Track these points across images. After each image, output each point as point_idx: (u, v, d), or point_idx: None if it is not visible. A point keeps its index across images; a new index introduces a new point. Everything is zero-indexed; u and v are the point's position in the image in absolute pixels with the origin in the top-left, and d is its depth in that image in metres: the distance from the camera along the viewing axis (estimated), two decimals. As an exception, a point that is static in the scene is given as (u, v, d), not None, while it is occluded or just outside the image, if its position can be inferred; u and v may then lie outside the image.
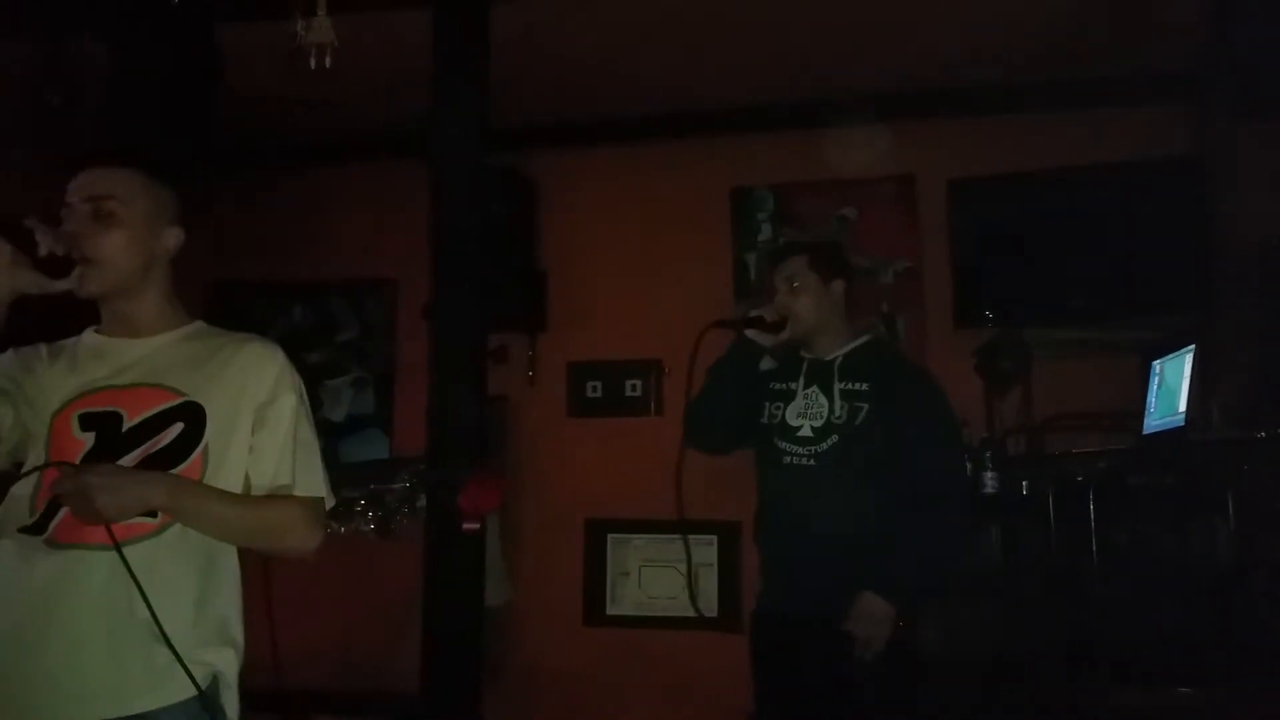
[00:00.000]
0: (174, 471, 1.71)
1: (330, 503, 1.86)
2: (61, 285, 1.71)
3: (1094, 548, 3.12)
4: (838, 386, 2.68)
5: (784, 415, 2.72)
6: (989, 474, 3.39)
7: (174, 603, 1.67)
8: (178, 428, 1.74)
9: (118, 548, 1.60)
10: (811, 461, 2.64)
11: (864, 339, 2.81)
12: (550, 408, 4.35)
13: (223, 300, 4.63)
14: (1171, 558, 3.15)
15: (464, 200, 2.89)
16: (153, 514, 1.68)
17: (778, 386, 2.77)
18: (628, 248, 4.35)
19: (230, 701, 1.73)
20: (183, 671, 1.63)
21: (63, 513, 1.66)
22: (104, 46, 3.06)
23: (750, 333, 2.75)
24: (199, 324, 1.91)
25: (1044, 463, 3.45)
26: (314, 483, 1.82)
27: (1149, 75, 3.78)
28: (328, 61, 2.61)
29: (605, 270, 4.36)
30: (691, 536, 4.13)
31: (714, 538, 4.12)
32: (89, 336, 1.85)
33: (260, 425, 1.79)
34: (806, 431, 2.67)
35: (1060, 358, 3.73)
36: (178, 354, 1.81)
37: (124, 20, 3.07)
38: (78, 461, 1.68)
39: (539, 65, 3.60)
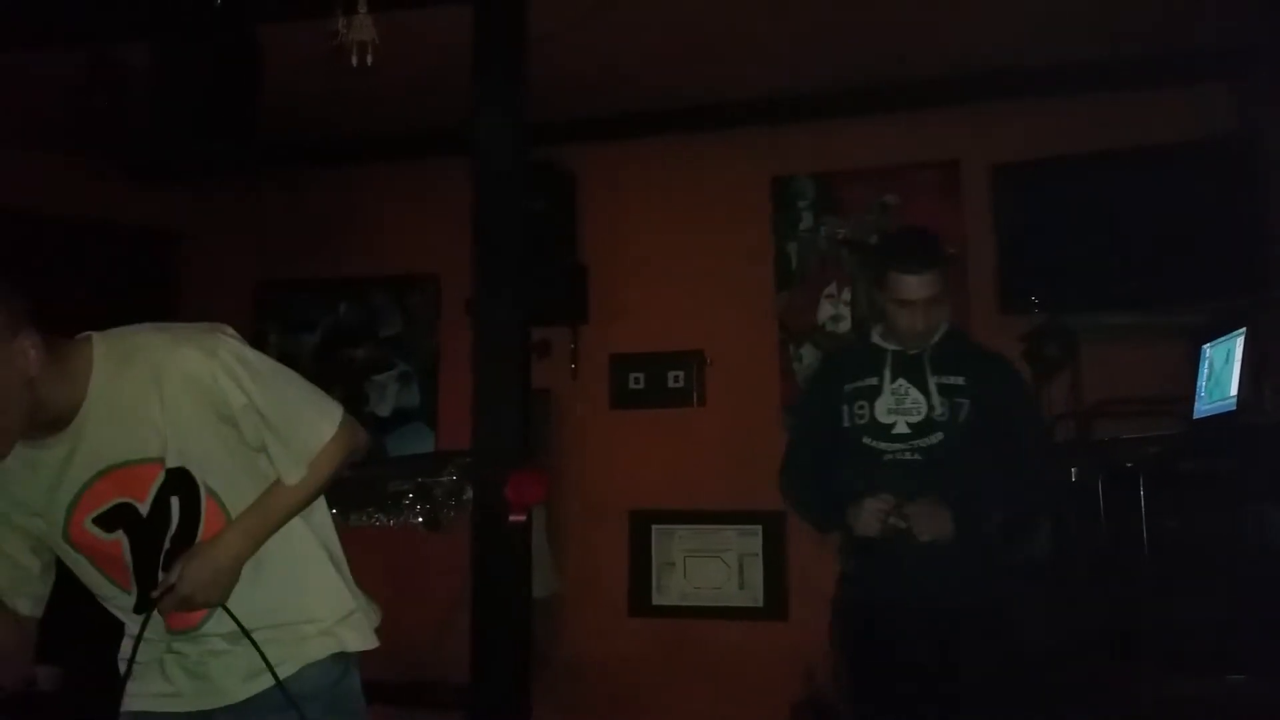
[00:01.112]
0: (199, 529, 1.67)
1: (339, 412, 1.74)
2: None
3: (1144, 534, 3.07)
4: (932, 381, 2.56)
5: (872, 413, 2.58)
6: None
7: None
8: (176, 502, 1.65)
9: (237, 622, 1.68)
10: (916, 456, 2.54)
11: (944, 328, 2.65)
12: (593, 400, 4.37)
13: (269, 299, 4.70)
14: (1223, 544, 3.09)
15: (505, 195, 2.91)
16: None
17: (854, 385, 2.62)
18: (668, 239, 4.35)
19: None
20: (318, 637, 1.74)
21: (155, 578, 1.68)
22: (147, 50, 3.12)
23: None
24: (98, 352, 1.62)
25: (1093, 449, 3.41)
26: (319, 427, 1.70)
27: (1197, 53, 3.70)
28: (369, 59, 2.63)
29: (646, 262, 4.36)
30: (737, 526, 4.16)
31: (759, 528, 4.12)
32: (25, 451, 1.61)
33: (243, 429, 1.65)
34: (902, 428, 2.55)
35: (1108, 342, 3.68)
36: (117, 414, 1.61)
37: (166, 23, 3.11)
38: (129, 559, 1.68)
39: (577, 58, 3.60)
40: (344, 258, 4.66)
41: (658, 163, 4.39)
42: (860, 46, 3.73)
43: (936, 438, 2.53)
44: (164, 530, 1.66)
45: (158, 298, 4.72)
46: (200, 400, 1.61)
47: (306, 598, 1.78)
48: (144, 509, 1.65)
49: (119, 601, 1.74)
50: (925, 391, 2.55)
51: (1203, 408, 3.19)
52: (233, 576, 1.65)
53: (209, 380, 1.61)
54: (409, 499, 4.24)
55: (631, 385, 4.34)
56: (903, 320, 2.55)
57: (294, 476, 1.67)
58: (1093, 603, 3.17)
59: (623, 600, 4.25)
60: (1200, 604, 2.96)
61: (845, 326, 4.12)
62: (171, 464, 1.63)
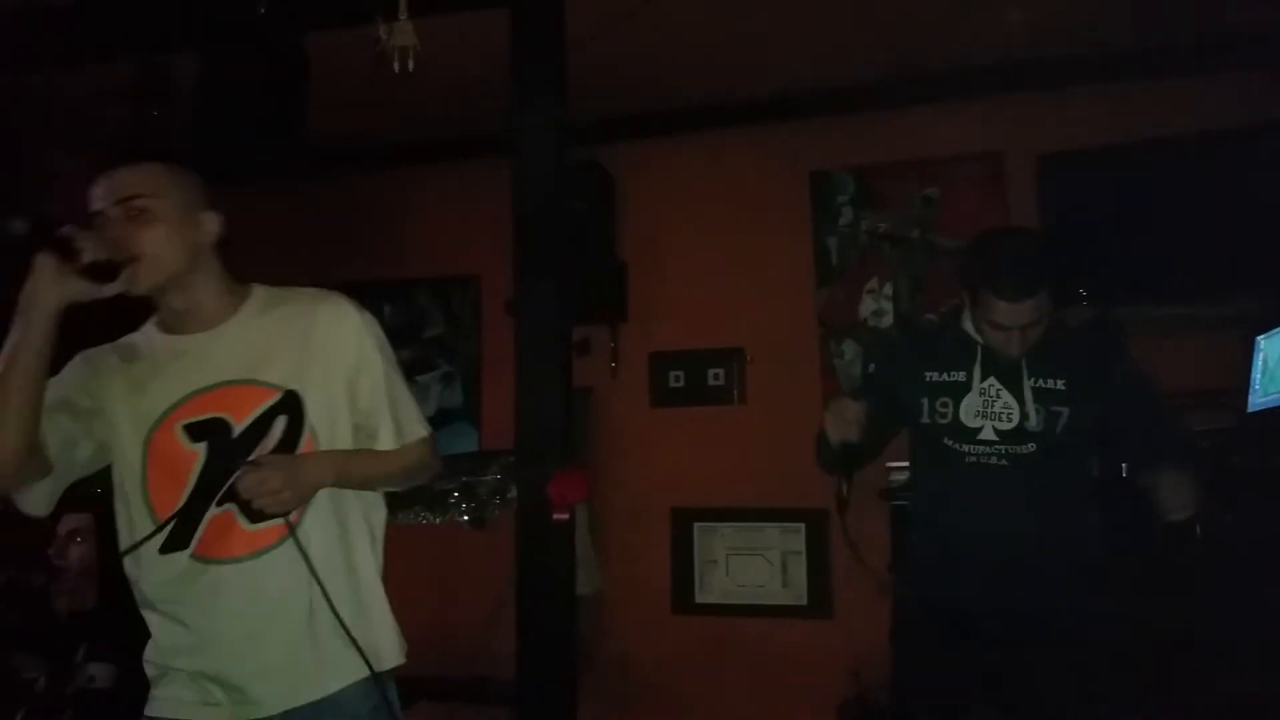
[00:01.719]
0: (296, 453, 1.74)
1: (421, 431, 1.87)
2: (111, 289, 1.66)
3: (1197, 530, 3.02)
4: (1028, 385, 2.30)
5: (956, 414, 2.35)
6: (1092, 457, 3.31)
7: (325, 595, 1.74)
8: (282, 422, 1.74)
9: (291, 530, 1.70)
10: (1004, 462, 2.34)
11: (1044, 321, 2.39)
12: (633, 398, 4.38)
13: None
14: (1278, 539, 3.03)
15: (545, 195, 2.92)
16: (285, 514, 1.71)
17: (940, 378, 2.38)
18: (707, 236, 4.35)
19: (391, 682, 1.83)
20: (355, 654, 1.73)
21: (202, 527, 1.70)
22: (196, 59, 3.18)
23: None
24: (257, 293, 1.84)
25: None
26: (420, 425, 1.86)
27: (1247, 37, 3.63)
28: (410, 65, 2.66)
29: (685, 259, 4.36)
30: (779, 524, 4.14)
31: (801, 525, 4.11)
32: (157, 336, 1.81)
33: (357, 391, 1.79)
34: (989, 434, 2.33)
35: (1158, 335, 3.62)
36: (256, 340, 1.77)
37: (214, 32, 3.17)
38: (196, 474, 1.70)
39: (615, 58, 3.61)
40: (388, 260, 4.71)
41: (696, 160, 4.39)
42: (899, 37, 3.70)
43: (1028, 448, 2.32)
44: (250, 449, 1.72)
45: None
46: (339, 348, 1.78)
47: (371, 613, 1.82)
48: (237, 429, 1.72)
49: (144, 531, 1.71)
50: (1019, 397, 2.31)
51: (1257, 401, 3.13)
52: (306, 491, 1.69)
53: (353, 335, 1.79)
54: (454, 498, 4.29)
55: (672, 383, 4.35)
56: (995, 340, 2.30)
57: (391, 443, 1.79)
58: (1145, 599, 3.12)
59: (665, 598, 4.26)
60: (1255, 600, 2.91)
61: (888, 321, 4.09)
62: (291, 388, 1.74)
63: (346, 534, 1.81)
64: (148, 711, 1.77)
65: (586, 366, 4.23)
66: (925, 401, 2.39)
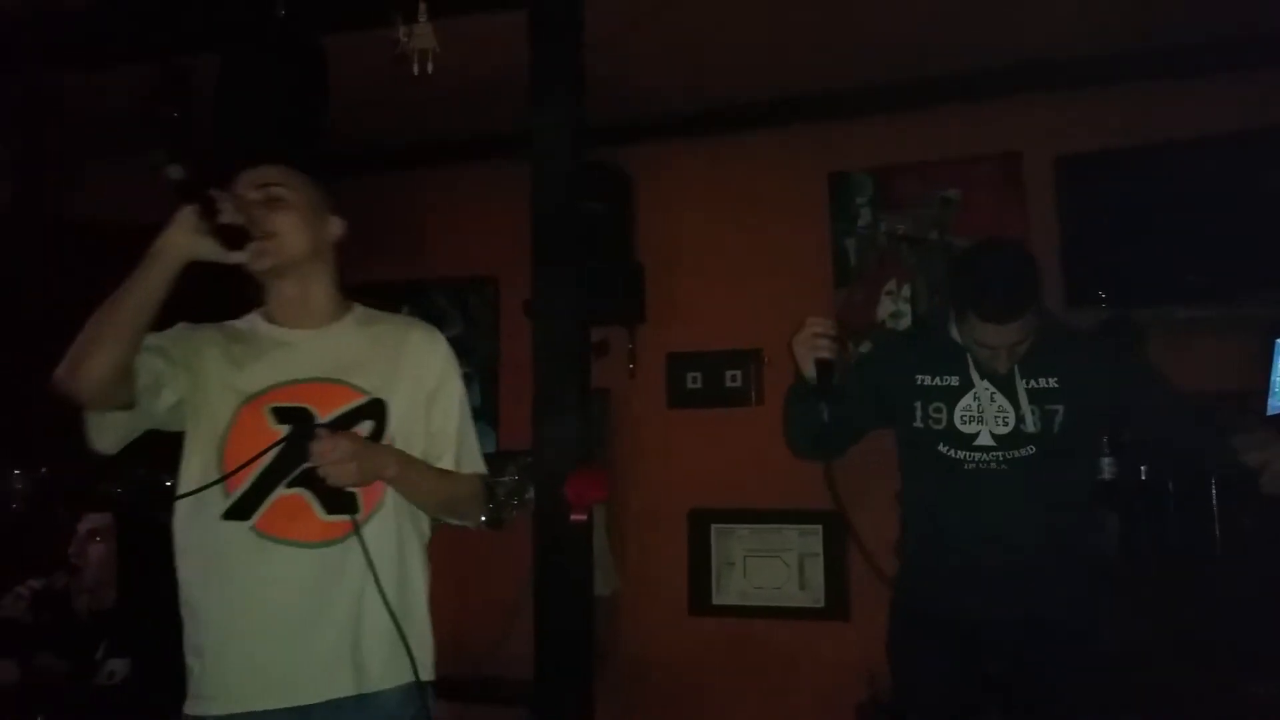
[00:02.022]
0: None
1: (479, 468, 1.98)
2: (236, 257, 1.76)
3: (1216, 534, 3.00)
4: (1022, 386, 2.26)
5: (951, 419, 2.30)
6: (1106, 459, 3.29)
7: (376, 595, 1.79)
8: (367, 425, 1.84)
9: (356, 528, 1.76)
10: (1002, 466, 2.28)
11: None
12: (651, 399, 4.38)
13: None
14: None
15: (562, 197, 2.93)
16: (353, 512, 1.78)
17: (932, 382, 2.33)
18: (724, 237, 4.35)
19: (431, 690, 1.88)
20: (403, 658, 1.79)
21: (269, 503, 1.76)
22: (216, 60, 3.20)
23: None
24: (358, 309, 1.99)
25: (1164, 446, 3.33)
26: (479, 461, 1.98)
27: (1267, 37, 3.60)
28: (429, 67, 2.67)
29: (703, 261, 4.36)
30: (797, 526, 4.14)
31: (819, 527, 4.10)
32: (262, 324, 1.93)
33: (431, 412, 1.91)
34: (986, 440, 2.27)
35: (1177, 337, 3.60)
36: (352, 346, 1.90)
37: (234, 34, 3.19)
38: (273, 453, 1.77)
39: (632, 58, 3.62)
40: (406, 261, 4.73)
41: (714, 162, 4.39)
42: (917, 37, 3.69)
43: (1027, 450, 2.27)
44: None
45: (228, 302, 4.83)
46: (425, 369, 1.92)
47: (417, 625, 1.87)
48: (319, 421, 1.81)
49: (212, 495, 1.76)
50: (1014, 399, 2.26)
51: (1276, 403, 3.11)
52: (369, 471, 1.74)
53: (439, 361, 1.94)
54: (471, 498, 4.30)
55: (689, 384, 4.35)
56: (983, 356, 2.28)
57: (450, 464, 1.90)
58: (1164, 603, 3.10)
59: (683, 599, 4.26)
60: (1274, 605, 2.89)
61: (906, 323, 4.07)
62: (379, 396, 1.86)
63: (404, 544, 1.87)
64: (194, 693, 1.80)
65: (604, 368, 4.24)
66: (918, 405, 2.34)
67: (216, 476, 1.77)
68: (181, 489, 1.81)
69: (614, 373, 4.37)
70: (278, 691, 1.76)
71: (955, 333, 2.34)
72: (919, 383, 2.34)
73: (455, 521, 1.99)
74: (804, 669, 4.00)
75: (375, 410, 1.85)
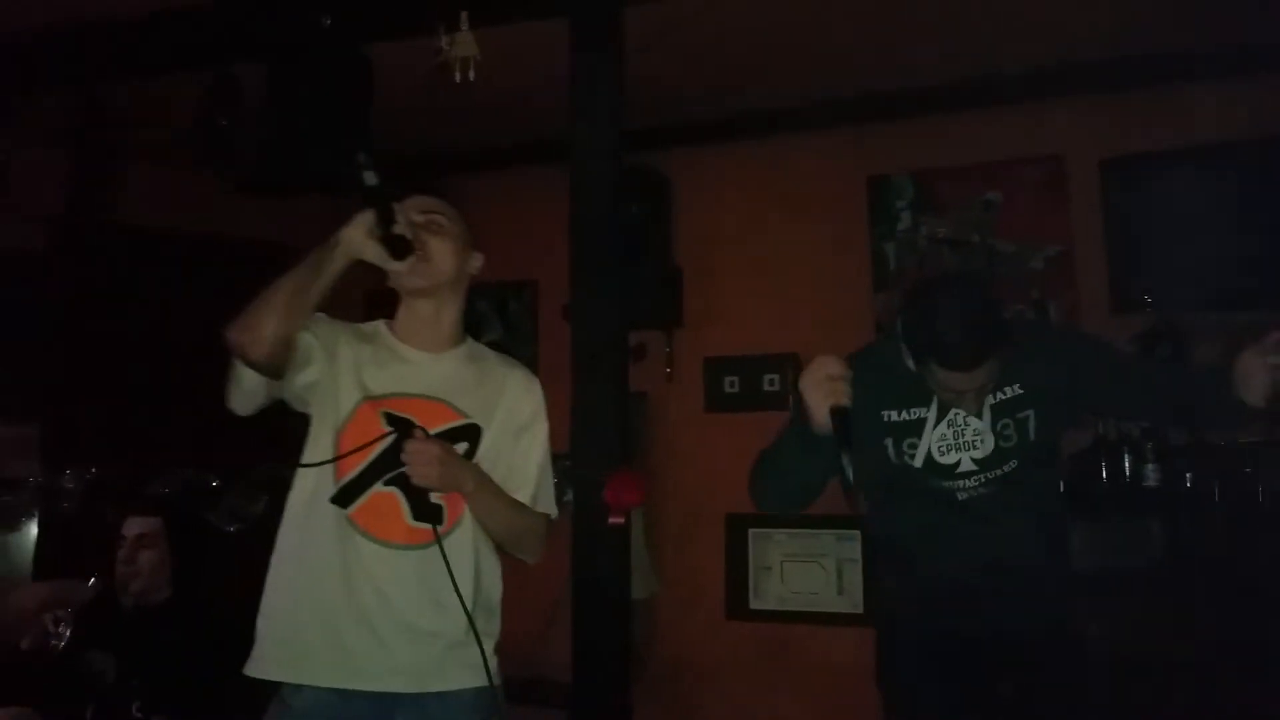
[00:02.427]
0: None
1: (551, 511, 2.14)
2: (395, 266, 1.93)
3: (1261, 543, 2.95)
4: (988, 404, 2.13)
5: (929, 452, 2.17)
6: (1151, 466, 3.26)
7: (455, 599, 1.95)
8: (462, 447, 2.00)
9: (438, 537, 1.92)
10: (991, 488, 2.18)
11: None
12: (688, 403, 4.39)
13: (377, 307, 4.84)
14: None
15: (601, 202, 2.95)
16: (438, 520, 1.94)
17: (900, 417, 2.17)
18: (762, 241, 4.34)
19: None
20: (477, 660, 1.96)
21: (366, 496, 1.92)
22: (263, 70, 3.26)
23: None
24: (470, 342, 2.14)
25: (1209, 453, 3.29)
26: (552, 504, 2.14)
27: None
28: (471, 74, 2.70)
29: (741, 265, 4.36)
30: (835, 531, 4.12)
31: (857, 533, 4.08)
32: (388, 337, 2.08)
33: (517, 447, 2.07)
34: (968, 465, 2.16)
35: (1224, 342, 3.54)
36: (461, 374, 2.06)
37: (280, 43, 3.25)
38: (379, 450, 1.93)
39: (672, 64, 3.63)
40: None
41: (752, 165, 4.39)
42: (958, 40, 3.66)
43: (1010, 466, 2.16)
44: None
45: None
46: (520, 407, 2.09)
47: (492, 626, 2.06)
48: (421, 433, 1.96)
49: (325, 478, 1.94)
50: (982, 417, 2.14)
51: (1328, 410, 3.04)
52: (450, 478, 1.90)
53: (534, 403, 2.12)
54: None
55: (727, 388, 4.35)
56: (946, 399, 2.13)
57: (525, 499, 2.06)
58: (1210, 612, 3.06)
59: (720, 604, 4.26)
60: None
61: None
62: (476, 421, 2.03)
63: (480, 559, 2.04)
64: (259, 655, 1.92)
65: (642, 371, 4.25)
66: (889, 443, 2.18)
67: (329, 465, 1.94)
68: (305, 461, 1.98)
69: (651, 376, 4.38)
70: (354, 675, 1.89)
71: (910, 361, 2.12)
72: (886, 419, 2.17)
73: (515, 553, 2.13)
74: (842, 675, 3.97)
75: (471, 433, 2.02)
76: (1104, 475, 3.29)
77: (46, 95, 3.78)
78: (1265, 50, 3.57)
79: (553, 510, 2.15)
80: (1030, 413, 2.14)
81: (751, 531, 4.25)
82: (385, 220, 1.89)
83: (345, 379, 1.98)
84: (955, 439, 2.15)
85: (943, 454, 2.16)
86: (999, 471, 2.17)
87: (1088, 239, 3.88)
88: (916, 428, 2.16)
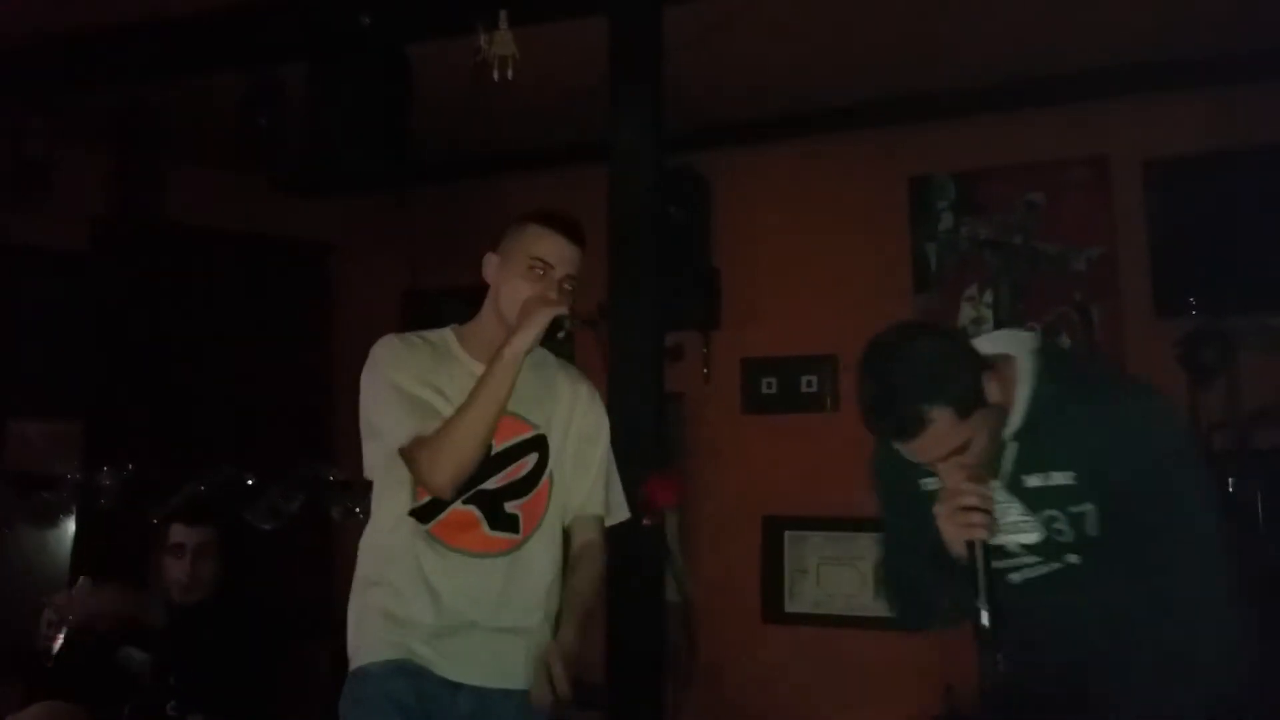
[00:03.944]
0: (526, 496, 2.05)
1: (625, 515, 2.23)
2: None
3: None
4: (1029, 487, 1.72)
5: None
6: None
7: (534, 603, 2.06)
8: (533, 458, 2.06)
9: (516, 545, 2.05)
10: (1054, 565, 1.76)
11: (1029, 386, 1.73)
12: (725, 405, 4.37)
13: (416, 307, 4.88)
14: None
15: (641, 202, 2.94)
16: (515, 530, 2.03)
17: (937, 486, 1.77)
18: (802, 242, 4.32)
19: None
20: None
21: (446, 514, 1.99)
22: (304, 70, 3.28)
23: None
24: (537, 351, 2.07)
25: (1253, 459, 3.24)
26: (622, 507, 2.22)
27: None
28: (510, 74, 2.71)
29: (779, 266, 4.34)
30: (872, 534, 4.08)
31: (895, 536, 4.04)
32: (457, 347, 2.11)
33: (585, 459, 2.13)
34: (1015, 548, 1.76)
35: (1270, 347, 3.47)
36: (528, 385, 2.05)
37: (321, 43, 3.28)
38: None
39: (712, 65, 3.62)
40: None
41: (792, 166, 4.36)
42: (1000, 40, 3.63)
43: (1071, 559, 1.73)
44: (501, 468, 2.02)
45: (312, 307, 4.96)
46: (587, 418, 2.15)
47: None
48: (495, 449, 2.01)
49: (404, 493, 2.00)
50: (1023, 499, 1.73)
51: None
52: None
53: (596, 413, 2.17)
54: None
55: (764, 390, 4.33)
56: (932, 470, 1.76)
57: (599, 509, 2.15)
58: (1254, 620, 2.99)
59: (755, 606, 4.23)
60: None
61: (988, 329, 3.99)
62: (542, 432, 2.07)
63: (555, 564, 2.10)
64: (388, 655, 1.98)
65: (679, 372, 4.23)
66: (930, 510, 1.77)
67: (411, 484, 2.00)
68: (395, 492, 2.03)
69: (689, 377, 4.37)
70: (457, 666, 1.98)
71: None
72: (926, 489, 1.82)
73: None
74: (879, 680, 3.94)
75: (540, 445, 2.07)
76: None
77: (90, 94, 3.83)
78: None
79: (626, 513, 2.23)
80: (1090, 508, 1.69)
81: (788, 534, 4.22)
82: (554, 329, 1.96)
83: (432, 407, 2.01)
84: (999, 520, 1.71)
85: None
86: (1059, 564, 1.75)
87: (1131, 241, 3.82)
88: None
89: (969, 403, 1.64)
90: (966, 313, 4.05)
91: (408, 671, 1.96)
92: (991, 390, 1.68)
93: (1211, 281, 3.57)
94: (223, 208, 4.57)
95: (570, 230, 2.08)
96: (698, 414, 4.40)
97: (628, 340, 2.94)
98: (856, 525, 4.11)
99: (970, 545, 1.66)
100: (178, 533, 3.00)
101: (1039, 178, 3.98)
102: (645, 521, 2.84)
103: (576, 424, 2.13)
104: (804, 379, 4.26)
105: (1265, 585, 2.99)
